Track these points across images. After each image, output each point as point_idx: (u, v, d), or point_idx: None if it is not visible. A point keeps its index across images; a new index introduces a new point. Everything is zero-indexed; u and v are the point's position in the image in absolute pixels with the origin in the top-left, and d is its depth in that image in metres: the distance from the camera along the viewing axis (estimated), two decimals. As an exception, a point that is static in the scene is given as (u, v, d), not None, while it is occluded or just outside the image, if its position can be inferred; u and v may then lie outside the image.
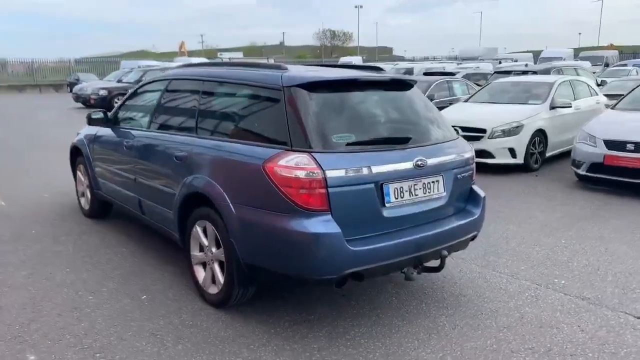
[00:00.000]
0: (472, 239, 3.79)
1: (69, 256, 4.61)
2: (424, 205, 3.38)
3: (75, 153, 5.81)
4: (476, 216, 3.68)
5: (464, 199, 3.74)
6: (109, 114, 5.10)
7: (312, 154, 2.96)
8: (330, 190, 2.93)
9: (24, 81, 39.43)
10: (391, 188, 3.18)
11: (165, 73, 4.67)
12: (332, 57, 62.85)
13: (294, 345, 3.15)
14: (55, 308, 3.61)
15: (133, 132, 4.62)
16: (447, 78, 12.13)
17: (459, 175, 3.59)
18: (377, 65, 4.13)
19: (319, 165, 2.91)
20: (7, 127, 15.10)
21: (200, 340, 3.20)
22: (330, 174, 2.93)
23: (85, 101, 21.46)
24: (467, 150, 3.73)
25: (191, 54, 56.14)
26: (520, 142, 8.22)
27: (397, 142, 3.31)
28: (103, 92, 20.86)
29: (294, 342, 3.19)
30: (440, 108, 9.81)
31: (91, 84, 22.88)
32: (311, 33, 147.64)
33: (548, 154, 8.79)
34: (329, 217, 2.94)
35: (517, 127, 8.24)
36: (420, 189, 3.34)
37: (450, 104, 10.55)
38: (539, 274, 4.26)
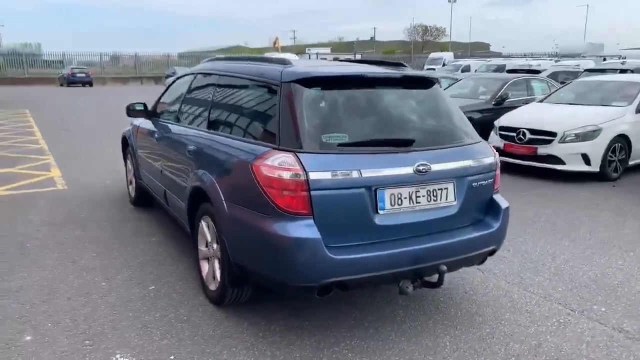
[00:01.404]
0: (491, 253, 3.44)
1: (102, 242, 4.81)
2: (429, 214, 3.10)
3: (125, 142, 6.07)
4: (494, 229, 3.33)
5: (483, 209, 3.39)
6: (149, 106, 5.25)
7: (298, 154, 2.81)
8: (313, 193, 2.76)
9: (130, 74, 42.44)
10: (386, 194, 2.95)
11: (194, 67, 4.72)
12: (422, 53, 61.33)
13: (277, 352, 3.03)
14: (68, 291, 3.77)
15: (163, 124, 4.73)
16: (526, 76, 11.29)
17: (475, 183, 3.26)
18: (401, 62, 3.86)
19: (302, 166, 2.76)
20: (96, 115, 16.30)
21: (186, 336, 3.18)
22: (313, 176, 2.76)
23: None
24: (489, 156, 3.38)
25: (283, 49, 57.35)
26: (596, 148, 7.44)
27: (397, 144, 3.05)
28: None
29: (278, 348, 3.07)
30: (512, 108, 9.19)
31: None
32: (402, 28, 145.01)
33: (631, 163, 7.89)
34: (311, 221, 2.77)
35: (593, 131, 7.47)
36: (423, 196, 3.07)
37: (526, 103, 9.82)
38: (577, 297, 3.80)
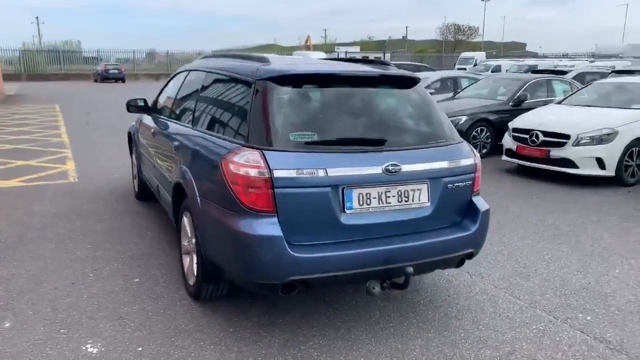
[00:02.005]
0: (469, 257, 3.37)
1: (99, 234, 4.93)
2: (399, 214, 3.07)
3: (130, 138, 6.20)
4: (470, 232, 3.26)
5: (461, 212, 3.33)
6: (150, 102, 5.35)
7: (264, 151, 2.82)
8: (277, 191, 2.77)
9: (162, 70, 43.24)
10: (354, 193, 2.93)
11: (188, 64, 4.78)
12: (454, 52, 60.46)
13: (244, 347, 3.05)
14: (56, 281, 3.87)
15: (158, 120, 4.80)
16: (548, 77, 11.01)
17: (451, 185, 3.20)
18: (385, 61, 3.82)
19: (267, 164, 2.76)
20: (122, 110, 16.63)
21: (158, 329, 3.23)
22: (278, 173, 2.76)
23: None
24: (467, 157, 3.31)
25: (314, 48, 57.45)
26: (611, 152, 7.20)
27: (367, 143, 3.03)
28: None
29: (246, 344, 3.09)
30: (531, 109, 8.96)
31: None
32: (435, 27, 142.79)
33: (649, 167, 7.59)
34: (274, 219, 2.78)
35: (609, 134, 7.23)
36: (394, 196, 3.03)
37: (545, 104, 9.59)
38: (563, 305, 3.69)
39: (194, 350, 3.01)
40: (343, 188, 2.89)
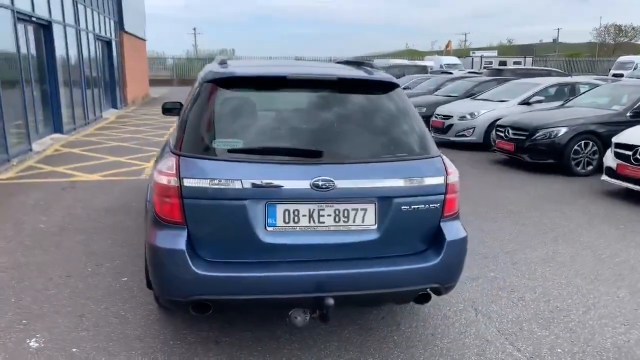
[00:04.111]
0: (436, 292, 2.85)
1: (127, 230, 5.14)
2: (337, 237, 2.68)
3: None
4: (431, 263, 2.74)
5: (425, 239, 2.82)
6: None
7: (181, 158, 2.64)
8: (186, 201, 2.57)
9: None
10: (278, 209, 2.61)
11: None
12: (613, 56, 54.05)
13: (170, 363, 2.91)
14: (56, 272, 4.10)
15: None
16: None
17: (408, 207, 2.72)
18: (369, 63, 3.37)
19: (178, 171, 2.58)
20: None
21: (106, 331, 3.22)
22: (188, 182, 2.56)
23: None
24: (435, 175, 2.78)
25: (448, 53, 55.53)
26: None
27: (300, 154, 2.68)
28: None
29: (185, 358, 2.94)
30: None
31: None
32: (591, 28, 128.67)
33: None
34: (181, 232, 2.58)
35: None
36: (329, 215, 2.65)
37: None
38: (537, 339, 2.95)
39: (122, 358, 2.94)
40: (266, 203, 2.60)
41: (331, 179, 2.58)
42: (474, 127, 10.69)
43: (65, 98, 11.93)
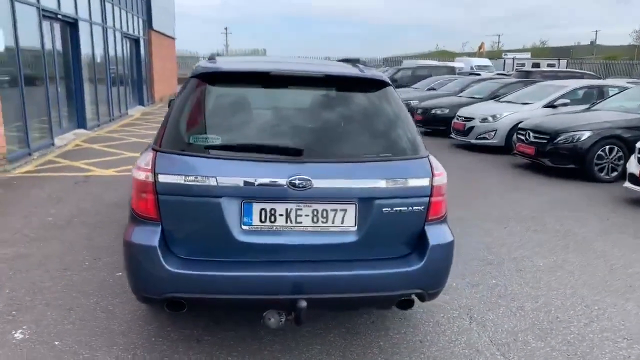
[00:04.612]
0: (420, 298, 2.75)
1: (125, 225, 5.16)
2: (315, 237, 2.60)
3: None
4: (413, 268, 2.64)
5: (408, 242, 2.72)
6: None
7: (159, 153, 2.61)
8: (160, 197, 2.54)
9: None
10: (255, 208, 2.55)
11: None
12: (653, 60, 52.04)
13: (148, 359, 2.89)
14: (54, 264, 4.14)
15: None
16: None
17: (389, 209, 2.62)
18: (362, 61, 3.26)
19: (154, 167, 2.55)
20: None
21: (91, 326, 3.23)
22: (163, 178, 2.53)
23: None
24: (419, 177, 2.67)
25: (482, 55, 54.56)
26: None
27: (278, 152, 2.61)
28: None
29: (152, 357, 2.91)
30: None
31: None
32: (630, 31, 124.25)
33: None
34: (155, 228, 2.55)
35: None
36: (307, 215, 2.58)
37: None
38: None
39: (101, 354, 2.93)
40: (242, 201, 2.54)
41: (309, 178, 2.51)
42: (496, 130, 10.43)
43: (90, 94, 12.18)
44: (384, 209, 2.61)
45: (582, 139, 7.93)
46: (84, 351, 2.96)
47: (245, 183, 2.51)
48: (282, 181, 2.51)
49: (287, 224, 2.58)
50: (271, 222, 2.57)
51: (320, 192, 2.55)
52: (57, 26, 10.47)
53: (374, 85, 2.91)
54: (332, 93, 2.90)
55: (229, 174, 2.52)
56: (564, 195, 7.00)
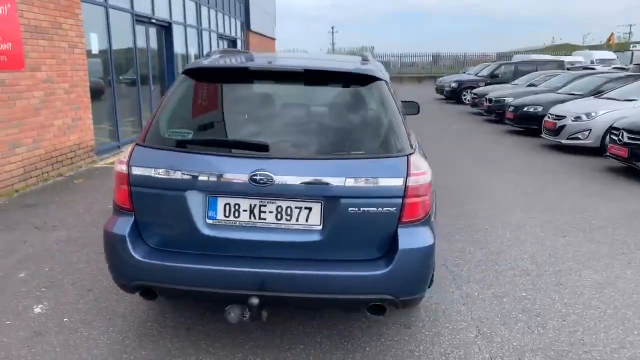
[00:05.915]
0: (394, 305, 2.59)
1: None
2: (277, 235, 2.55)
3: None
4: (379, 272, 2.49)
5: (379, 244, 2.57)
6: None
7: (136, 147, 2.72)
8: (133, 189, 2.64)
9: (426, 73, 43.89)
10: (220, 202, 2.57)
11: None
12: None
13: (138, 345, 3.02)
14: (95, 248, 4.49)
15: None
16: None
17: (356, 209, 2.49)
18: (364, 55, 3.09)
19: (129, 159, 2.67)
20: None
21: (104, 306, 3.45)
22: (135, 170, 2.63)
23: (442, 92, 22.80)
24: (394, 176, 2.50)
25: (610, 47, 49.76)
26: None
27: (243, 147, 2.59)
28: (454, 84, 21.60)
29: (143, 342, 3.05)
30: None
31: (451, 77, 23.84)
32: None
33: None
34: (128, 218, 2.66)
35: None
36: (271, 212, 2.54)
37: None
38: None
39: (96, 333, 3.13)
40: (207, 195, 2.57)
41: (270, 174, 2.47)
42: (590, 130, 9.47)
43: (183, 93, 12.99)
44: (350, 209, 2.49)
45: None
46: (84, 329, 3.18)
47: (210, 177, 2.54)
48: (244, 176, 2.50)
49: (251, 220, 2.56)
50: (235, 217, 2.57)
51: (284, 189, 2.49)
52: (153, 30, 11.32)
53: (362, 80, 2.79)
54: (312, 88, 2.83)
55: (194, 168, 2.56)
56: (652, 204, 6.18)
